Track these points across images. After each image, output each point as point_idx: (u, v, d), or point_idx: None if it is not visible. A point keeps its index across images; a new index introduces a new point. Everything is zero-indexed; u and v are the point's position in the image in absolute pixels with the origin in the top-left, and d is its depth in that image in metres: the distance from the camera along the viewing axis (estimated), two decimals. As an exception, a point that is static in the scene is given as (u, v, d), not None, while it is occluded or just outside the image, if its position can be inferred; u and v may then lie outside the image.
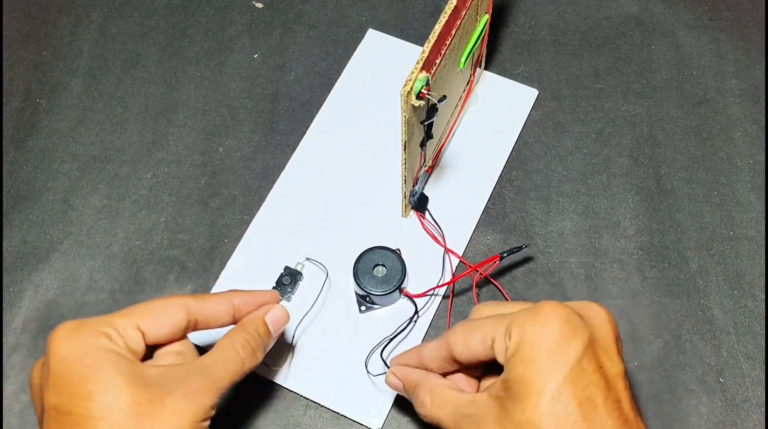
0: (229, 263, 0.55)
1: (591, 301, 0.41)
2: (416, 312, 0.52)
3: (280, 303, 0.47)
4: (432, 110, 0.47)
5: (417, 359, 0.45)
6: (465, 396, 0.41)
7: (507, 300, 0.54)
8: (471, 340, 0.41)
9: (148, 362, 0.42)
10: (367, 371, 0.51)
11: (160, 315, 0.42)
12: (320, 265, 0.54)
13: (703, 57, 0.64)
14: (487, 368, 0.44)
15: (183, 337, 0.43)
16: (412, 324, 0.52)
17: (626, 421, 0.38)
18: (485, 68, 0.62)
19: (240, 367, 0.43)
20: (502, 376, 0.39)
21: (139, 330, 0.41)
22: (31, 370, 0.42)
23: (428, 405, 0.43)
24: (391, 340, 0.51)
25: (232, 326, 0.45)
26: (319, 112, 0.61)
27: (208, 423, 0.40)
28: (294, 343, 0.52)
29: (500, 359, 0.39)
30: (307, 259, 0.55)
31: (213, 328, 0.45)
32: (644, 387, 0.52)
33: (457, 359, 0.42)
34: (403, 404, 0.51)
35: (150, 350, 0.42)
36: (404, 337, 0.52)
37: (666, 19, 0.65)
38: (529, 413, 0.37)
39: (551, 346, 0.37)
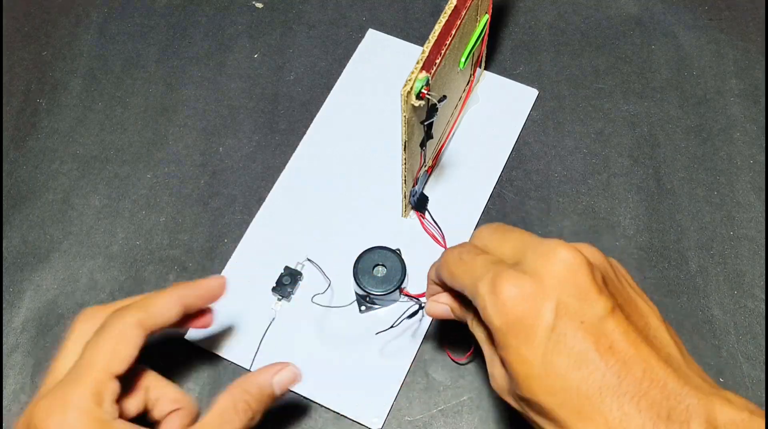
0: (229, 263, 0.55)
1: (549, 249, 0.36)
2: (420, 307, 0.51)
3: (280, 302, 0.46)
4: (432, 110, 0.47)
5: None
6: None
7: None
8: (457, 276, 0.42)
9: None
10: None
11: (118, 347, 0.40)
12: (319, 269, 0.54)
13: (703, 57, 0.64)
14: None
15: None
16: (417, 321, 0.52)
17: (624, 363, 0.34)
18: (485, 68, 0.62)
19: None
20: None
21: (115, 378, 0.40)
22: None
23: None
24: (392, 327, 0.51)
25: None
26: (319, 112, 0.61)
27: None
28: (294, 343, 0.52)
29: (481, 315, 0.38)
30: (308, 259, 0.55)
31: (166, 327, 0.43)
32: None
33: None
34: (403, 404, 0.51)
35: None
36: (403, 334, 0.52)
37: (666, 19, 0.65)
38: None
39: (518, 329, 0.36)
